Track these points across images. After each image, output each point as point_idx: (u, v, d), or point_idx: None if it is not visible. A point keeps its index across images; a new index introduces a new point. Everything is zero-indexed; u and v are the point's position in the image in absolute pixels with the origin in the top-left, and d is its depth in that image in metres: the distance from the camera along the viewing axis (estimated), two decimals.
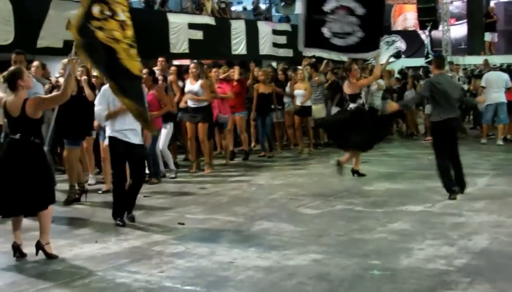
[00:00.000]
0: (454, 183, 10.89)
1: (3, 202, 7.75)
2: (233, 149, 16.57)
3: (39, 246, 7.91)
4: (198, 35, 24.06)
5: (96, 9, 8.79)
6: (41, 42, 20.50)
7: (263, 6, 31.30)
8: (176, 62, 21.74)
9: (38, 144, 7.88)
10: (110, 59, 8.84)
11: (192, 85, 14.23)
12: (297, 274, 7.16)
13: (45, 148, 8.30)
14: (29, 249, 8.04)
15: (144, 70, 12.54)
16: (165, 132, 13.62)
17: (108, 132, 9.87)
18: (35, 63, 12.09)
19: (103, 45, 8.77)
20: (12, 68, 8.20)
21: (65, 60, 10.73)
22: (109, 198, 10.93)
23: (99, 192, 12.15)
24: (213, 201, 11.36)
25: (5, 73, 8.02)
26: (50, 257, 7.88)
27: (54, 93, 8.66)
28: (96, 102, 10.07)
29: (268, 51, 25.97)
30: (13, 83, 7.85)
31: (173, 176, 13.73)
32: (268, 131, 17.26)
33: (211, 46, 24.29)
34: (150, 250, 8.30)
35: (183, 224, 9.59)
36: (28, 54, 16.28)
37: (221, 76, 16.03)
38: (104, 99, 9.86)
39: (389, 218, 9.71)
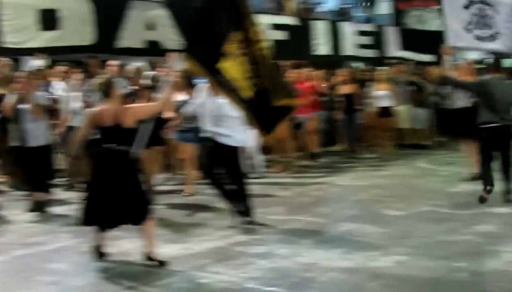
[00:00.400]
0: (491, 182, 10.48)
1: (100, 214, 7.68)
2: (314, 149, 16.44)
3: (150, 257, 7.74)
4: (280, 36, 24.03)
5: (252, 33, 9.02)
6: (121, 43, 20.77)
7: (346, 7, 31.15)
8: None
9: (131, 153, 7.77)
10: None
11: None
12: (381, 275, 7.04)
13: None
14: (109, 248, 8.13)
15: None
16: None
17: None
18: (113, 63, 12.21)
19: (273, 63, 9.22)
20: (106, 76, 8.22)
21: (147, 73, 10.65)
22: (191, 199, 11.06)
23: (182, 194, 12.19)
24: (295, 201, 11.29)
25: (100, 80, 7.96)
26: (162, 264, 7.67)
27: (152, 103, 8.62)
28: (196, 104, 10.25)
29: (351, 52, 25.73)
30: (108, 91, 7.78)
31: (256, 176, 13.66)
32: (354, 131, 17.10)
33: (293, 47, 24.17)
34: (233, 250, 8.28)
35: (265, 224, 9.55)
36: (107, 55, 16.55)
37: (298, 78, 15.88)
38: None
39: (474, 219, 9.48)
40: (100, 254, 7.95)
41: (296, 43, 24.61)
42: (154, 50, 18.37)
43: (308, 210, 10.54)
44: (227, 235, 9.04)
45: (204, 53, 8.92)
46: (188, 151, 11.87)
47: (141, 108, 8.27)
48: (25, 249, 8.43)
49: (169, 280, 7.16)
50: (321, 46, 25.85)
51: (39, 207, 10.79)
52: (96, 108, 7.97)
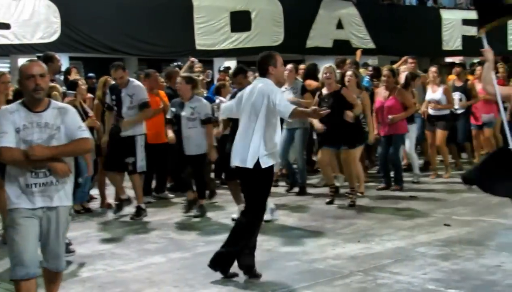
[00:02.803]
0: None
1: None
2: None
3: None
4: (472, 31, 23.44)
5: None
6: (310, 43, 21.01)
7: None
8: (448, 59, 21.38)
9: None
10: None
11: (433, 93, 13.48)
12: None
13: None
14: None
15: (386, 71, 12.26)
16: (410, 135, 12.97)
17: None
18: (289, 66, 12.21)
19: None
20: None
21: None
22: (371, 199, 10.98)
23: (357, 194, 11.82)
24: (482, 202, 10.90)
25: None
26: None
27: None
28: None
29: None
30: None
31: (415, 180, 13.13)
32: None
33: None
34: (414, 251, 8.14)
35: (449, 225, 9.32)
36: (297, 55, 16.72)
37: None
38: None
39: None
40: None
41: (489, 38, 23.95)
42: (342, 49, 18.40)
43: (494, 211, 10.17)
44: (409, 235, 8.91)
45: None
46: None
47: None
48: (208, 246, 8.64)
49: (348, 279, 7.12)
50: None
51: (190, 206, 10.83)
52: None
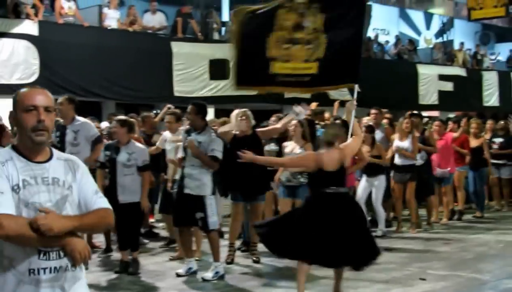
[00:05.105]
0: None
1: (325, 253, 7.67)
2: (452, 207, 15.19)
3: None
4: (448, 86, 23.81)
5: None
6: (289, 93, 21.11)
7: None
8: (425, 113, 21.55)
9: (351, 196, 8.07)
10: None
11: (401, 141, 13.18)
12: None
13: None
14: None
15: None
16: (377, 187, 12.70)
17: None
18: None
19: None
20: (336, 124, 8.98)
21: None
22: None
23: None
24: (456, 256, 10.92)
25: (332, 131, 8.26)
26: None
27: (353, 139, 8.44)
28: None
29: None
30: (333, 142, 8.03)
31: (379, 234, 12.34)
32: (480, 188, 15.79)
33: (461, 97, 23.94)
34: None
35: (424, 279, 9.28)
36: (275, 105, 16.69)
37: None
38: None
39: None
40: None
41: (465, 93, 24.36)
42: (320, 100, 18.48)
43: (469, 266, 10.17)
44: (384, 288, 8.87)
45: (252, 73, 9.38)
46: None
47: (352, 146, 8.36)
48: None
49: None
50: (490, 97, 25.50)
51: (125, 268, 9.86)
52: (316, 153, 8.30)
